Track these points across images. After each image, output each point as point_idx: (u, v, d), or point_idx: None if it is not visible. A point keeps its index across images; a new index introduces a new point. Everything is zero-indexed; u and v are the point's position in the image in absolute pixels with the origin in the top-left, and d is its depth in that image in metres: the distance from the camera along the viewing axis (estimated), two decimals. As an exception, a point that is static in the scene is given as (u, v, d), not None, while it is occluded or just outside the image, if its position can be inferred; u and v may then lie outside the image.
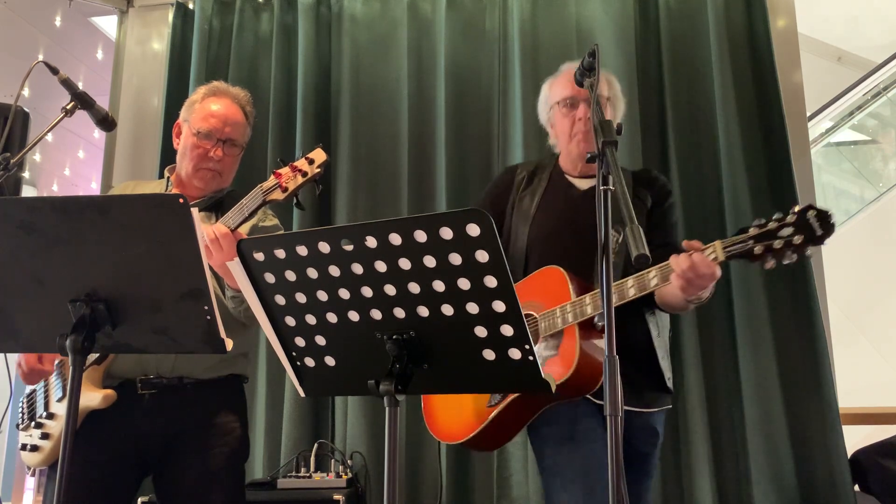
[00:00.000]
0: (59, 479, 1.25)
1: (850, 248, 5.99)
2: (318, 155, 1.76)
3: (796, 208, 1.55)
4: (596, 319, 1.69)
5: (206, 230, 1.70)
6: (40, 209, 1.26)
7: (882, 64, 6.61)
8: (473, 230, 1.10)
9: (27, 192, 6.70)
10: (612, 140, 1.31)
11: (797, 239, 1.52)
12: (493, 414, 1.76)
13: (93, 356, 1.84)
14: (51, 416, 1.93)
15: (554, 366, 1.70)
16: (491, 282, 1.14)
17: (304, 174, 1.75)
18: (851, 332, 5.40)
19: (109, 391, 1.82)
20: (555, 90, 2.02)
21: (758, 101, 2.86)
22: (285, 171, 1.76)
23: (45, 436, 1.92)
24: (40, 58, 1.94)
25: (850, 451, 2.57)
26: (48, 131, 1.87)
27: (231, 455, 1.93)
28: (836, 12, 6.76)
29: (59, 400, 1.93)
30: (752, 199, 2.77)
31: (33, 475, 2.08)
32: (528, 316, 1.77)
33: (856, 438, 2.72)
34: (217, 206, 2.01)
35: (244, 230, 1.93)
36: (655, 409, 1.86)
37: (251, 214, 1.79)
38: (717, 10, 2.91)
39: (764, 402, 2.64)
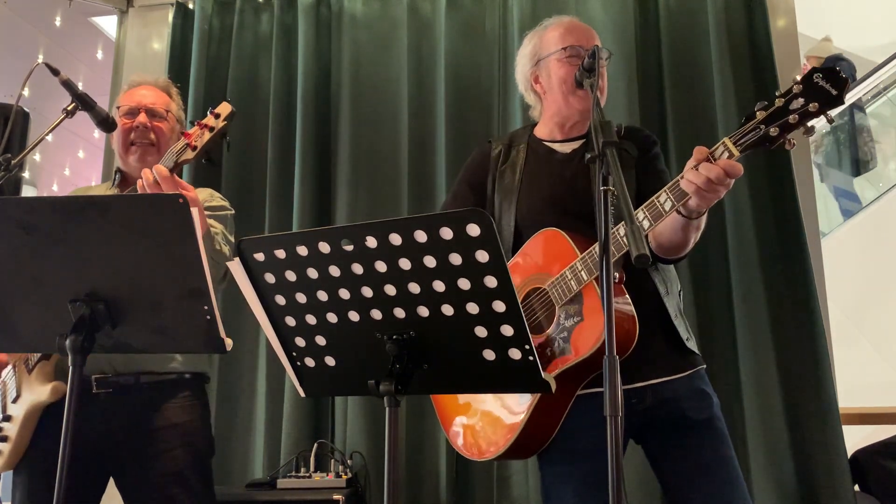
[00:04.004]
0: (58, 479, 1.25)
1: (850, 248, 5.99)
2: (224, 108, 1.74)
3: (798, 77, 1.43)
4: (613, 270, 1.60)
5: (144, 172, 1.67)
6: (40, 209, 1.26)
7: (882, 64, 6.61)
8: (473, 230, 1.11)
9: (27, 192, 6.70)
10: (612, 140, 1.31)
11: (813, 106, 1.39)
12: (532, 405, 1.65)
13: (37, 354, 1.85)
14: (7, 419, 1.91)
15: (583, 333, 1.59)
16: (491, 282, 1.14)
17: (212, 129, 1.72)
18: (851, 332, 5.40)
19: (57, 383, 1.80)
20: (552, 37, 1.87)
21: (758, 102, 2.85)
22: (193, 130, 1.74)
23: (3, 438, 1.90)
24: (40, 58, 1.95)
25: (850, 451, 2.57)
26: (48, 132, 1.87)
27: (195, 454, 1.91)
28: (836, 12, 6.76)
29: (14, 401, 1.92)
30: (751, 199, 2.77)
31: None
32: (535, 290, 1.70)
33: (856, 438, 2.71)
34: None
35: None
36: (688, 372, 1.72)
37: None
38: (717, 10, 2.90)
39: (764, 402, 2.64)
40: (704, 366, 1.78)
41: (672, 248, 1.68)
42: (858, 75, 6.76)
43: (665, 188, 1.54)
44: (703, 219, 1.59)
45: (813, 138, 6.19)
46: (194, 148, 1.72)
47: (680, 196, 1.52)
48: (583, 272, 1.61)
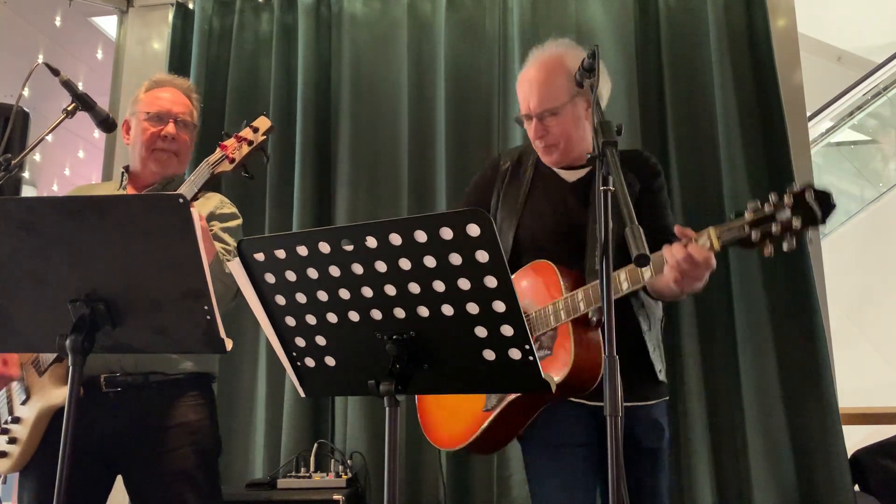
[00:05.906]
0: (59, 478, 1.25)
1: (850, 249, 6.00)
2: (262, 122, 1.74)
3: (793, 189, 1.44)
4: (590, 314, 1.64)
5: None
6: (40, 209, 1.26)
7: (882, 64, 6.62)
8: (473, 230, 1.11)
9: (27, 192, 6.70)
10: (612, 140, 1.31)
11: (796, 223, 1.41)
12: (489, 418, 1.74)
13: (51, 355, 1.84)
14: (17, 421, 1.90)
15: (549, 366, 1.67)
16: (491, 282, 1.14)
17: (250, 143, 1.73)
18: (851, 332, 5.40)
19: None
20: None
21: (758, 101, 2.86)
22: (230, 142, 1.74)
23: (12, 440, 1.89)
24: (41, 58, 1.94)
25: (850, 451, 2.57)
26: (48, 132, 1.87)
27: (203, 453, 1.91)
28: (836, 12, 6.76)
29: (24, 403, 1.91)
30: (752, 199, 2.77)
31: (4, 482, 2.03)
32: None
33: (856, 438, 2.72)
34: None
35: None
36: (652, 402, 1.80)
37: (200, 190, 1.75)
38: (717, 10, 2.91)
39: (764, 402, 2.64)
40: (668, 397, 1.86)
41: (666, 298, 1.77)
42: (858, 75, 6.77)
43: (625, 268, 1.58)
44: (705, 279, 1.56)
45: (812, 138, 6.18)
46: (232, 160, 1.72)
47: (658, 268, 1.54)
48: (562, 312, 1.67)
